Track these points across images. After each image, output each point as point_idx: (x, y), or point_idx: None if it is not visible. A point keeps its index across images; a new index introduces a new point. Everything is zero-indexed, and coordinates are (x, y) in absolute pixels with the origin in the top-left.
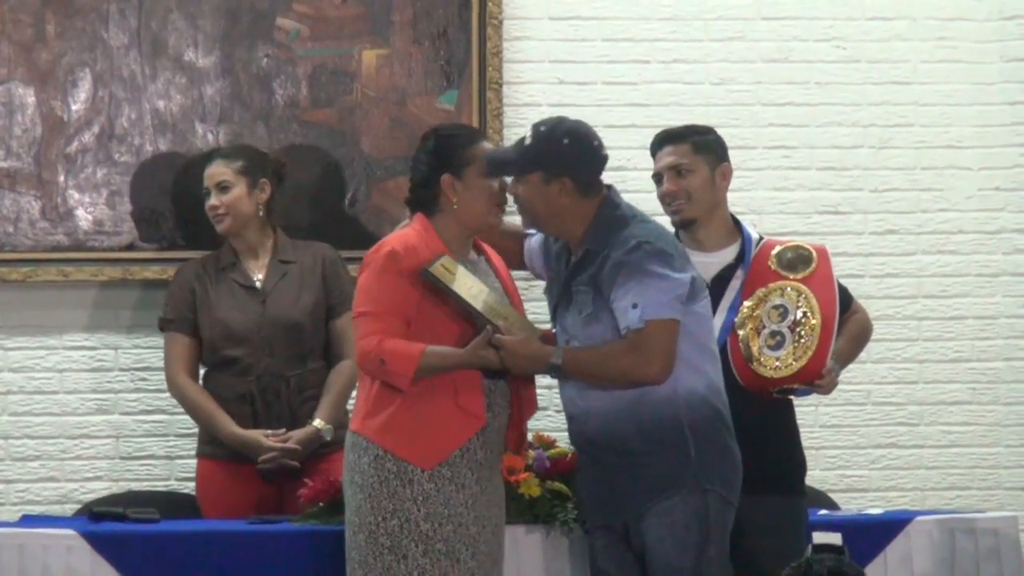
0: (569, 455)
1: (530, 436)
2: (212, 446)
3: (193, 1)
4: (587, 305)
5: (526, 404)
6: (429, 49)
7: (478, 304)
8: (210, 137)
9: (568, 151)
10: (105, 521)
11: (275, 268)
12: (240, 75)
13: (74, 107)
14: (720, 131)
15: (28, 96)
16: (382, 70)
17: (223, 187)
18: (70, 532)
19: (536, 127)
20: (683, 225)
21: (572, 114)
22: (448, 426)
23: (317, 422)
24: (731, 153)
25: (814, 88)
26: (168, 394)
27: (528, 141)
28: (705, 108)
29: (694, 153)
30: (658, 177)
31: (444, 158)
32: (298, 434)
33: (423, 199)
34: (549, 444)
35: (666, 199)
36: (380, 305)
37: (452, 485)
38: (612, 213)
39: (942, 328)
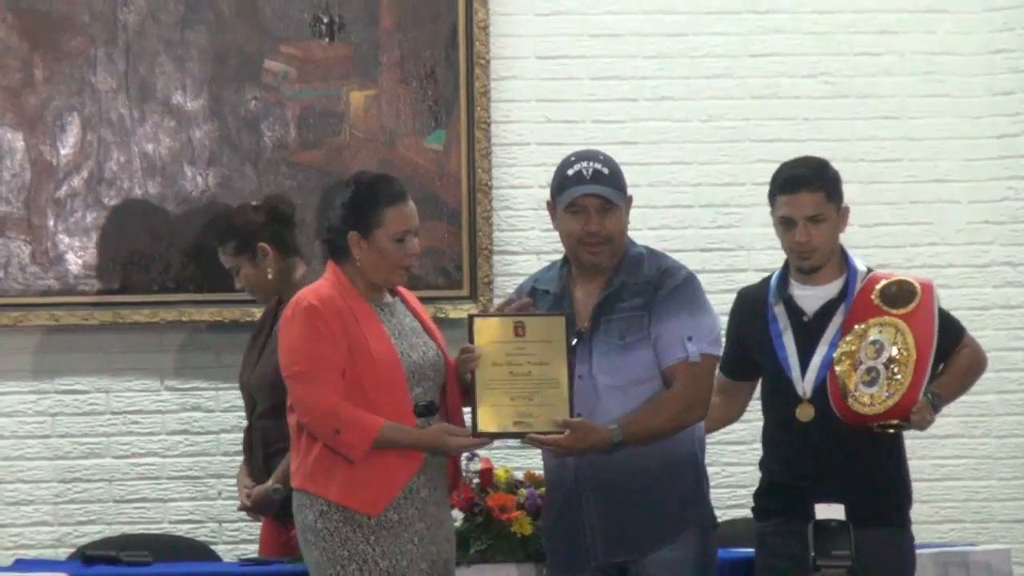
0: None
1: (520, 475)
2: None
3: (181, 44)
4: (634, 330)
5: None
6: (417, 89)
7: (481, 376)
8: (199, 180)
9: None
10: (98, 564)
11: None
12: (228, 118)
13: (63, 151)
14: (708, 168)
15: (17, 141)
16: (370, 111)
17: (235, 272)
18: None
19: (596, 158)
20: (809, 271)
21: (560, 153)
22: (389, 469)
23: (269, 481)
24: (719, 190)
25: (802, 124)
26: (160, 437)
27: (606, 171)
28: (694, 145)
29: (827, 201)
30: (788, 221)
31: (356, 214)
32: (256, 491)
33: (335, 246)
34: (540, 482)
35: (796, 247)
36: (315, 363)
37: (400, 526)
38: (636, 248)
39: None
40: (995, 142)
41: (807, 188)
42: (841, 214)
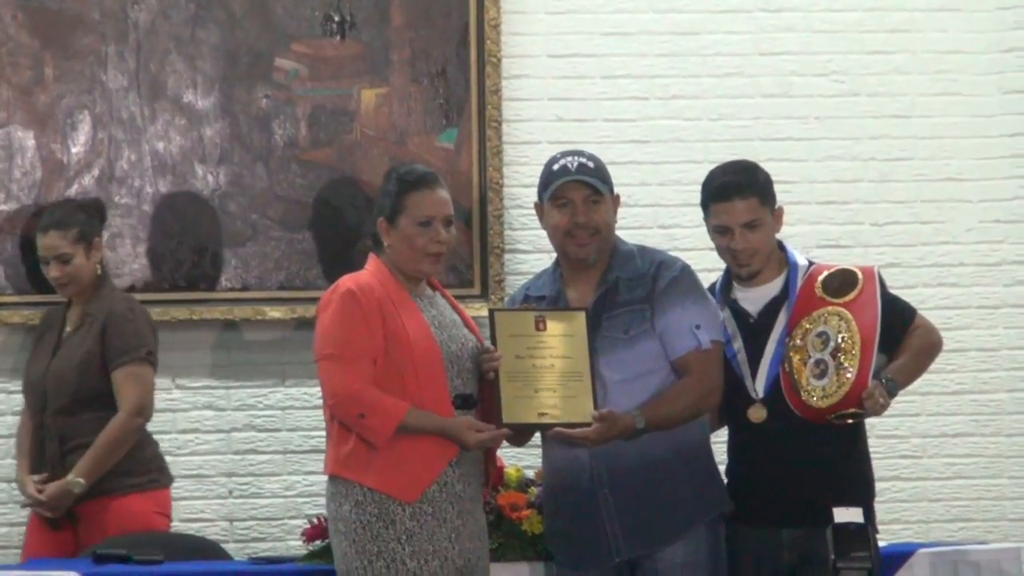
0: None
1: (531, 473)
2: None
3: (192, 43)
4: (637, 323)
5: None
6: (428, 88)
7: (504, 369)
8: (210, 178)
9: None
10: (109, 563)
11: (82, 319)
12: (239, 116)
13: (74, 150)
14: None
15: (28, 139)
16: (381, 109)
17: (63, 259)
18: (74, 574)
19: (581, 154)
20: (747, 277)
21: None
22: (425, 455)
23: (70, 475)
24: None
25: (813, 123)
26: (171, 435)
27: (591, 165)
28: (704, 144)
29: (761, 205)
30: (723, 229)
31: (388, 201)
32: (51, 487)
33: (375, 238)
34: None
35: (732, 254)
36: (346, 348)
37: (435, 521)
38: (626, 245)
39: (944, 360)
40: (1006, 140)
41: (740, 195)
42: (776, 216)
